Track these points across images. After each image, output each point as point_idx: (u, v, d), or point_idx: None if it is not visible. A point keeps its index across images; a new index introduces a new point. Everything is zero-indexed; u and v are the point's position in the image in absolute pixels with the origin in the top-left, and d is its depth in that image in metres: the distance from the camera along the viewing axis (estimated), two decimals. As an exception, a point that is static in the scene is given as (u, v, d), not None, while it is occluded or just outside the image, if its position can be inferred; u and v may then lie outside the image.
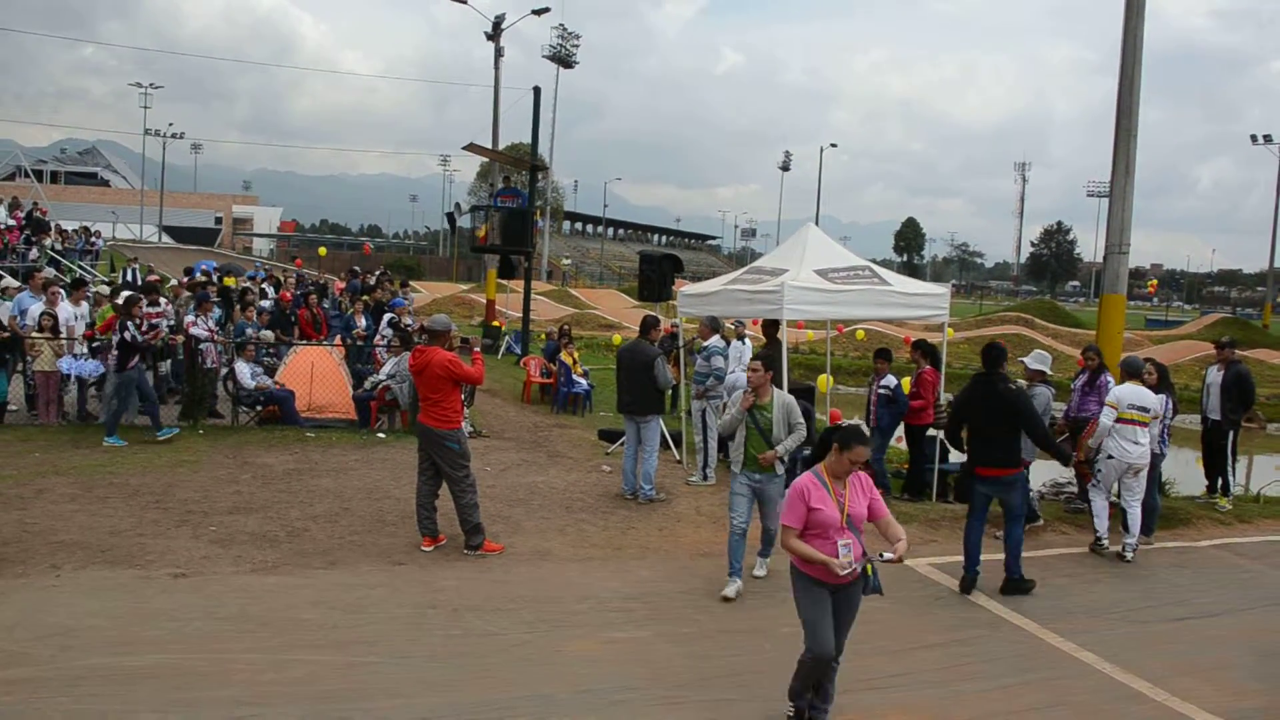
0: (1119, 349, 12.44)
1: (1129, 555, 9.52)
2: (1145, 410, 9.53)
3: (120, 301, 12.83)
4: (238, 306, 16.10)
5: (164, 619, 6.72)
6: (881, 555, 5.11)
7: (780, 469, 7.73)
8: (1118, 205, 12.04)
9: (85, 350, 12.85)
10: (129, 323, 11.82)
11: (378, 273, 24.92)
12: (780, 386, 10.76)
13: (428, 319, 9.10)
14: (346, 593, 7.41)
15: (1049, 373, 10.21)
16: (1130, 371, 9.84)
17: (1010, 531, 8.33)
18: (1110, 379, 10.93)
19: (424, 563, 8.21)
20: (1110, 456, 9.58)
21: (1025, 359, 10.44)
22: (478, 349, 9.11)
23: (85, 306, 13.71)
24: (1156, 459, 10.18)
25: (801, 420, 7.71)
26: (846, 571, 5.12)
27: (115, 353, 11.85)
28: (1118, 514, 9.99)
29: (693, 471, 11.64)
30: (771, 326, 11.50)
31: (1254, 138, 65.01)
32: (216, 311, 14.01)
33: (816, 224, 12.77)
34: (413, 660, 6.25)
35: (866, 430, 11.34)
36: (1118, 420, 9.48)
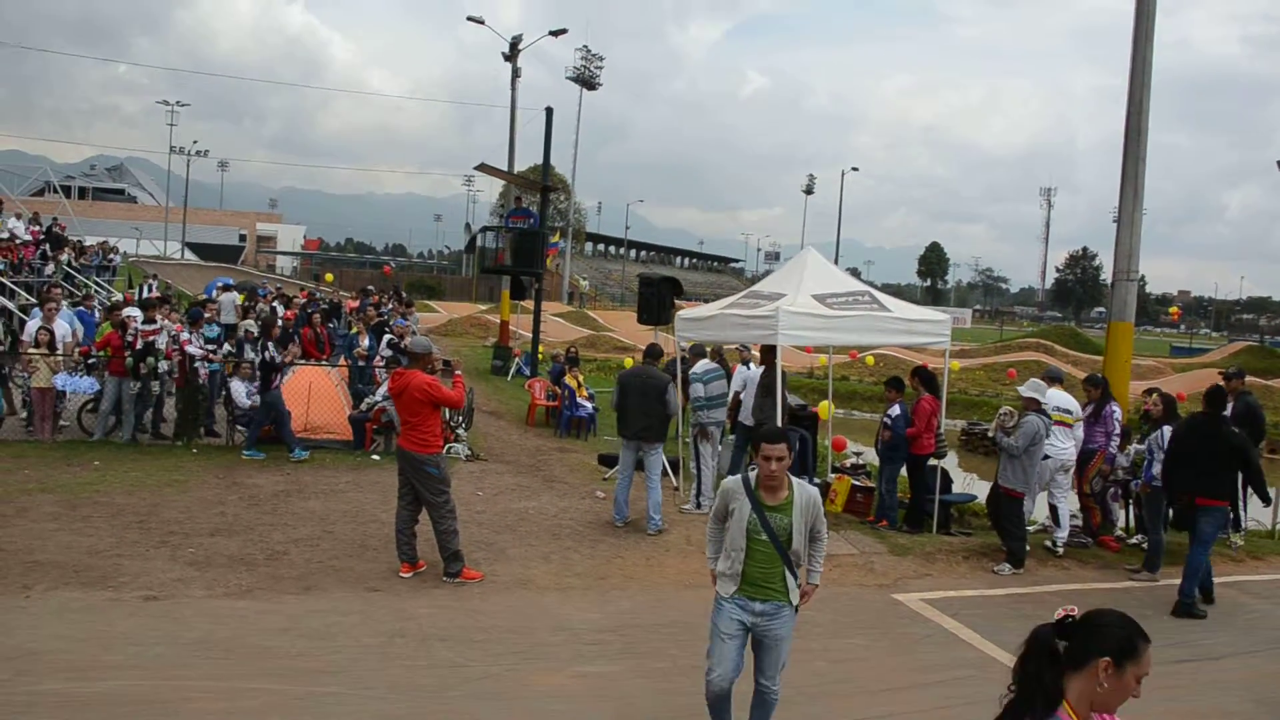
0: (1127, 377, 12.21)
1: (1059, 550, 10.45)
2: (1069, 412, 10.65)
3: (125, 317, 12.84)
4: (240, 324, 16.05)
5: (127, 643, 6.58)
6: None
7: (795, 595, 5.20)
8: (1125, 231, 11.80)
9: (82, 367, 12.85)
10: (269, 343, 12.06)
11: (391, 292, 24.93)
12: (777, 413, 10.60)
13: (409, 340, 8.98)
14: (316, 619, 7.25)
15: (1043, 401, 9.97)
16: (1053, 378, 10.96)
17: (1192, 555, 8.98)
18: (1116, 408, 10.72)
19: (400, 590, 8.04)
20: (1046, 456, 10.25)
21: (1020, 387, 10.26)
22: (459, 372, 8.98)
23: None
24: (1161, 492, 9.92)
25: (824, 520, 5.29)
26: None
27: (257, 374, 12.57)
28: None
29: (687, 499, 11.44)
30: (769, 351, 11.31)
31: (1281, 165, 64.40)
32: (215, 329, 13.97)
33: (838, 248, 12.68)
34: (373, 692, 6.07)
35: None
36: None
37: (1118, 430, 10.79)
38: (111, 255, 32.38)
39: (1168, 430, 9.79)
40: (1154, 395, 10.31)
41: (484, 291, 73.69)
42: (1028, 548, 10.07)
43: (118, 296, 21.23)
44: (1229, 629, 8.65)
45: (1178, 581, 9.90)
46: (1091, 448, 10.95)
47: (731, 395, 12.27)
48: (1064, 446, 10.62)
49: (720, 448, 11.75)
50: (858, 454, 13.82)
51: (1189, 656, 7.79)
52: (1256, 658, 7.96)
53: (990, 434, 10.64)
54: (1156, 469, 9.82)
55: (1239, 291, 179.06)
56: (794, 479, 5.17)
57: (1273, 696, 7.12)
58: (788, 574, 5.14)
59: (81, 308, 16.65)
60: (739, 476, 5.28)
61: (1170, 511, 10.08)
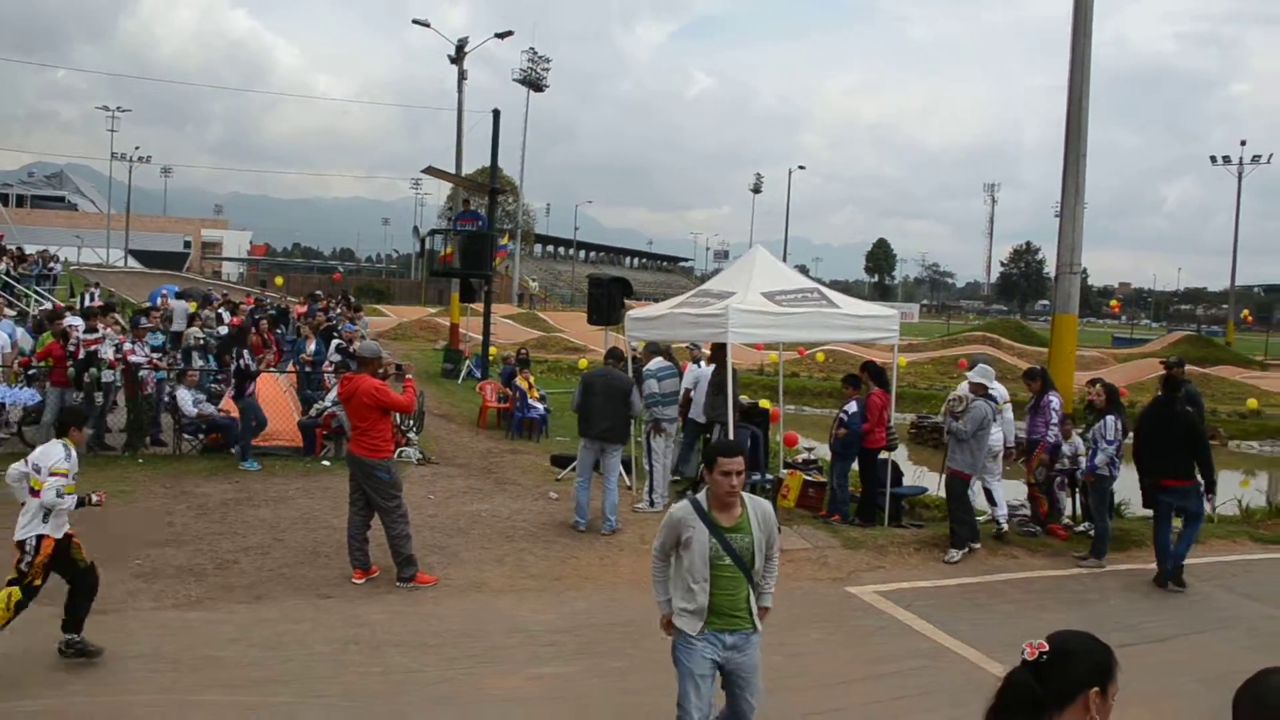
0: (1072, 368, 12.39)
1: (1004, 527, 10.78)
2: (994, 400, 10.73)
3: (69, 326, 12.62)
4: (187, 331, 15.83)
5: (72, 659, 6.46)
6: None
7: (758, 619, 4.86)
8: (1068, 226, 11.99)
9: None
10: (244, 350, 11.92)
11: (339, 296, 24.71)
12: (729, 410, 10.63)
13: (357, 345, 8.91)
14: (268, 628, 7.17)
15: (991, 386, 10.22)
16: (976, 363, 10.96)
17: (1186, 533, 9.58)
18: (1053, 398, 10.91)
19: (353, 596, 7.97)
20: None
21: (968, 372, 10.44)
22: (410, 376, 8.91)
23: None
24: (1106, 481, 10.11)
25: (778, 534, 4.99)
26: None
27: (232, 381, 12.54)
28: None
29: (640, 498, 11.45)
30: (720, 349, 11.35)
31: (1214, 159, 65.64)
32: (159, 337, 13.72)
33: (786, 245, 12.76)
34: (325, 700, 6.02)
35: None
36: None
37: (1055, 420, 10.95)
38: (52, 264, 31.75)
39: (1110, 420, 9.97)
40: (1097, 385, 10.49)
41: (433, 295, 73.20)
42: (977, 544, 10.19)
43: (45, 306, 20.70)
44: (1175, 612, 8.82)
45: (1124, 567, 10.16)
46: (1035, 438, 11.14)
47: (682, 393, 12.32)
48: (991, 433, 10.68)
49: (669, 445, 11.75)
50: (809, 449, 13.90)
51: (1136, 640, 7.92)
52: (1201, 638, 8.13)
53: (940, 419, 10.83)
54: (1099, 459, 10.00)
55: (1177, 283, 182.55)
56: (747, 495, 4.81)
57: (1217, 675, 7.25)
58: (752, 597, 4.80)
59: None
60: (686, 503, 4.83)
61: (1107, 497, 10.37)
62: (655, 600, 5.01)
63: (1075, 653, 2.56)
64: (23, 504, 6.35)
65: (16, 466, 6.47)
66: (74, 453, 6.57)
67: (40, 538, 6.28)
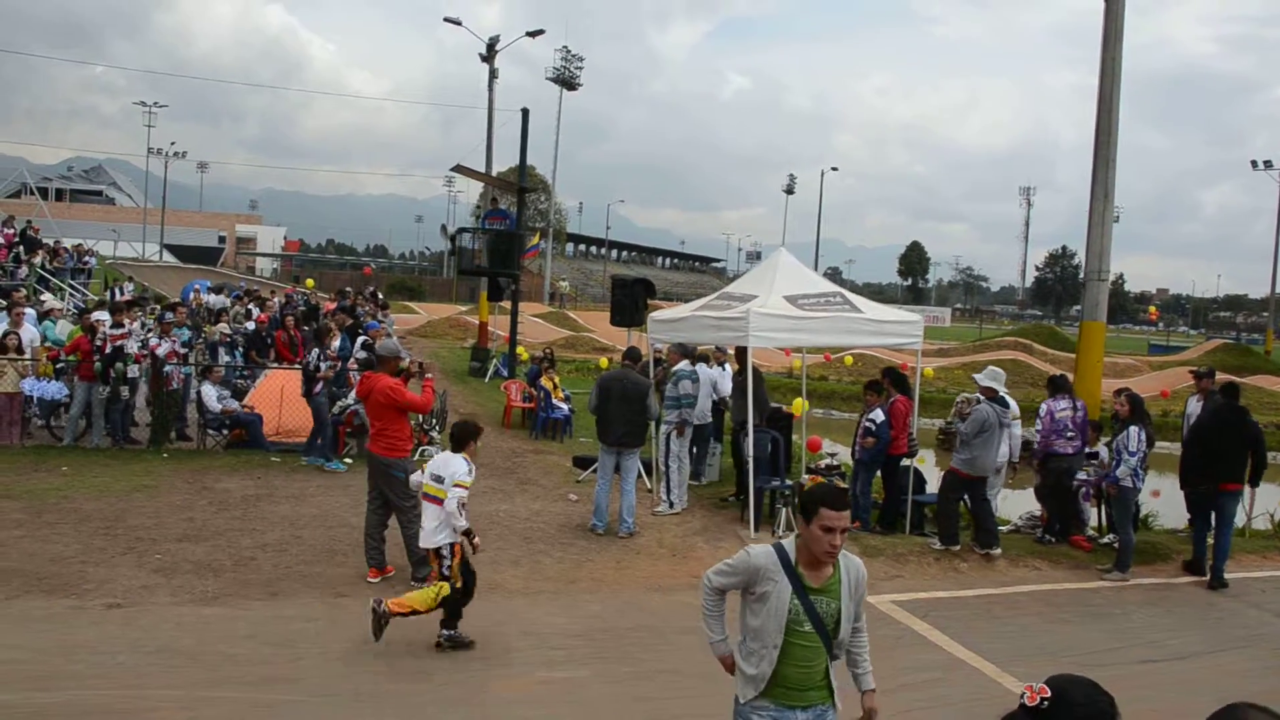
0: (1099, 376, 12.25)
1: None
2: (1006, 404, 10.69)
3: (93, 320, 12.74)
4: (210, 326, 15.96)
5: (89, 652, 6.53)
6: None
7: (836, 694, 4.04)
8: (1096, 231, 11.85)
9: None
10: (316, 349, 12.04)
11: (368, 292, 24.83)
12: (749, 413, 10.57)
13: (379, 343, 8.95)
14: (283, 625, 7.21)
15: (1000, 390, 10.13)
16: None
17: (1224, 535, 9.96)
18: (1043, 406, 10.83)
19: (367, 595, 7.95)
20: None
21: (977, 375, 10.33)
22: (430, 376, 8.94)
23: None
24: (1130, 493, 9.96)
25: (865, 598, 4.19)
26: None
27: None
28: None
29: (659, 501, 11.41)
30: (743, 352, 11.31)
31: (1254, 163, 64.52)
32: (185, 332, 13.83)
33: (818, 247, 12.72)
34: (336, 700, 6.03)
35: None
36: None
37: (1041, 427, 10.76)
38: (87, 258, 32.05)
39: (1134, 430, 9.82)
40: (1122, 396, 10.33)
41: (464, 292, 73.40)
42: (956, 547, 10.17)
43: (44, 300, 20.73)
44: (1197, 628, 8.68)
45: (1148, 580, 10.02)
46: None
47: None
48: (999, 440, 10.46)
49: (686, 446, 11.67)
50: (832, 454, 13.81)
51: (1156, 656, 7.82)
52: (1224, 656, 7.98)
53: (949, 420, 10.73)
54: (1121, 470, 9.83)
55: (1216, 289, 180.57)
56: (843, 554, 4.02)
57: (1238, 695, 7.10)
58: (831, 670, 4.03)
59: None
60: (769, 549, 4.02)
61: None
62: (709, 641, 4.23)
63: (1077, 704, 2.41)
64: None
65: (415, 476, 7.17)
66: (473, 466, 6.99)
67: (452, 545, 6.79)
